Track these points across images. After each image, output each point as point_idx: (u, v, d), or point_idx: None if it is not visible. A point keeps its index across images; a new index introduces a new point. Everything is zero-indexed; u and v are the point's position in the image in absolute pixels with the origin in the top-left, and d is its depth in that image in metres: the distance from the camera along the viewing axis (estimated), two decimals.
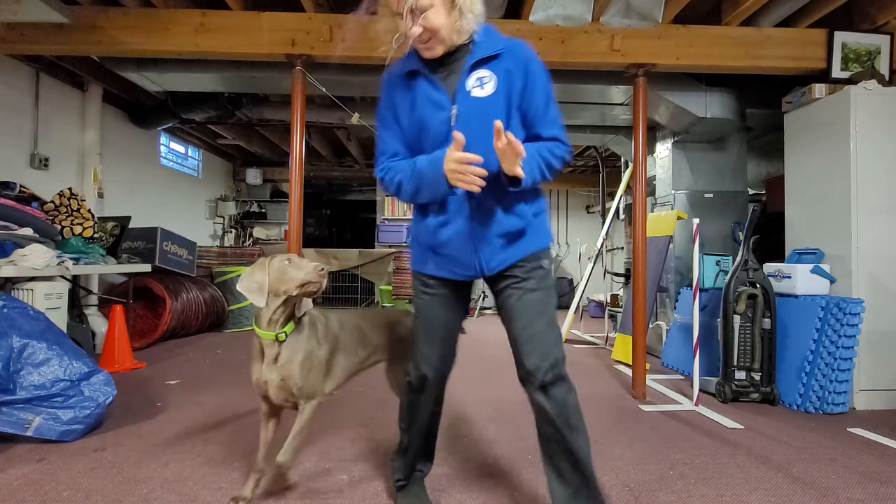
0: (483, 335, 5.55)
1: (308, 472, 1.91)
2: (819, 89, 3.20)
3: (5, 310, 2.24)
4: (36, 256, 3.02)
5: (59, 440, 2.11)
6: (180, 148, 6.81)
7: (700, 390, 2.96)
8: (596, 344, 5.11)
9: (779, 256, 3.48)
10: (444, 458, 2.06)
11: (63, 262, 3.23)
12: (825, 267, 3.04)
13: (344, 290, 7.69)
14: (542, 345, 1.33)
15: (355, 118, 4.39)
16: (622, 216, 5.67)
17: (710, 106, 4.03)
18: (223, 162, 8.02)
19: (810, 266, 3.05)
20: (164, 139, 6.33)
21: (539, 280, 1.37)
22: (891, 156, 2.96)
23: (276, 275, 1.48)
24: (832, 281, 3.02)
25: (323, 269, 1.45)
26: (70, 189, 3.80)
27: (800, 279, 3.04)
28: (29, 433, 2.07)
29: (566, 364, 1.36)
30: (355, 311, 1.92)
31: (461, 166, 1.22)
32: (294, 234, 3.11)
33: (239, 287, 1.49)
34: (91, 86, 4.73)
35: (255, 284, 1.48)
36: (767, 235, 3.92)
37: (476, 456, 2.10)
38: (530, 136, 1.37)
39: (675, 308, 4.27)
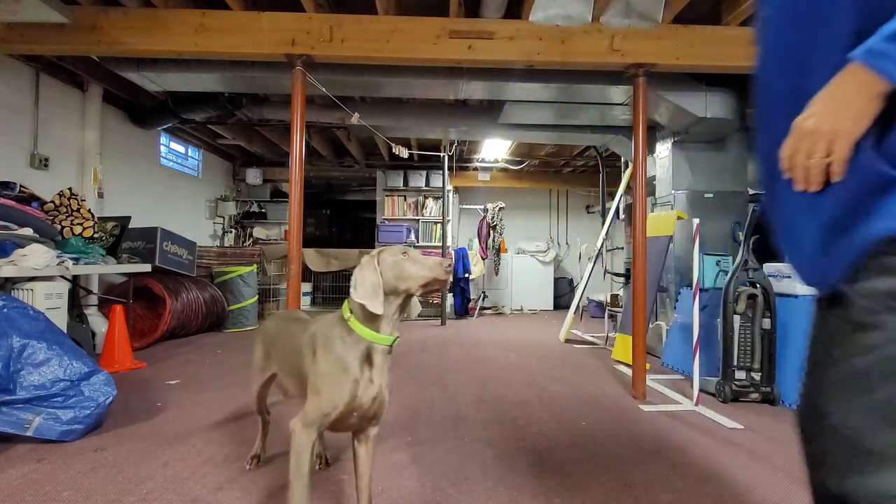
0: (483, 336, 5.55)
1: None
2: None
3: (5, 310, 2.24)
4: (36, 256, 3.02)
5: (59, 440, 2.11)
6: (180, 148, 6.80)
7: (700, 390, 2.95)
8: (596, 344, 5.11)
9: (779, 256, 3.48)
10: (443, 458, 2.06)
11: (63, 262, 3.23)
12: None
13: (344, 290, 7.70)
14: (848, 449, 0.64)
15: (355, 118, 4.39)
16: (622, 216, 5.67)
17: (710, 106, 4.04)
18: (223, 162, 8.01)
19: None
20: (164, 139, 6.32)
21: (881, 313, 0.62)
22: None
23: (394, 272, 1.30)
24: None
25: (449, 264, 1.26)
26: (70, 189, 3.80)
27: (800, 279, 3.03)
28: (29, 433, 2.07)
29: None
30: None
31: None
32: (294, 234, 3.11)
33: (354, 297, 1.29)
34: (91, 86, 4.73)
35: (370, 288, 1.28)
36: (767, 235, 3.92)
37: (476, 457, 2.10)
38: None
39: (675, 308, 4.27)
